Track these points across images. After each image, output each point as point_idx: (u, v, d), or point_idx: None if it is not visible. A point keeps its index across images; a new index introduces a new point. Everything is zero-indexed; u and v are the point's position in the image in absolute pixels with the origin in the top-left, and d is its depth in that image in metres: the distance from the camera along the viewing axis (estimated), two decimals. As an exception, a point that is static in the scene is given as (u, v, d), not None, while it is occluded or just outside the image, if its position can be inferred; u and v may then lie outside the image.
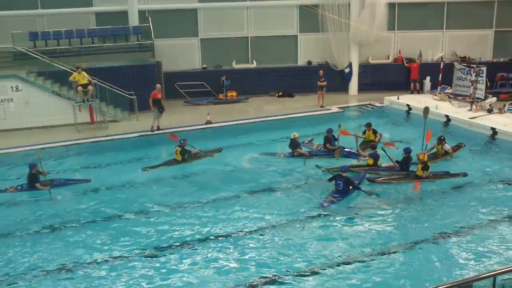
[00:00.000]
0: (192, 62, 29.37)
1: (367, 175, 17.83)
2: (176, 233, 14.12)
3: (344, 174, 16.62)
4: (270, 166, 19.20)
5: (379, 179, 17.57)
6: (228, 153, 20.58)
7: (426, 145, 18.67)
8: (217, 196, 16.63)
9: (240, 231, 14.22)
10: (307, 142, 21.21)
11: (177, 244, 13.52)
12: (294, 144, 19.92)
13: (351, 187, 16.60)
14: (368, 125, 21.09)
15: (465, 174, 17.75)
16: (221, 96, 28.37)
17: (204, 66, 29.39)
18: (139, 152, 21.10)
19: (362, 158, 19.49)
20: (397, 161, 18.29)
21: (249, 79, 29.04)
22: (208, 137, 22.65)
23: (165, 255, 12.92)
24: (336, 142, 20.15)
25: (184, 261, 12.66)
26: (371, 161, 18.58)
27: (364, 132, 21.12)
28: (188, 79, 28.59)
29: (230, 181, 17.93)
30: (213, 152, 20.41)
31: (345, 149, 20.22)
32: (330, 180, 16.90)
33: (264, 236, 13.91)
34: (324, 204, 15.87)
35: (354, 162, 19.32)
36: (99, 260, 12.77)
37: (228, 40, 29.35)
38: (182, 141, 19.70)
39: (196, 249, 13.21)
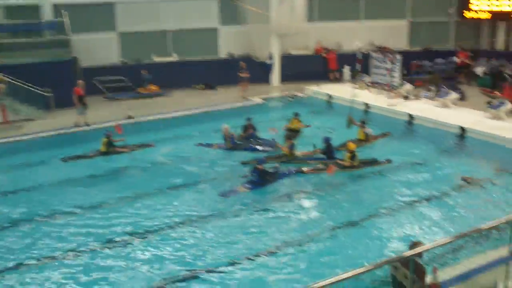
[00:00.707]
0: (111, 57, 28.85)
1: (295, 168, 17.70)
2: (99, 230, 13.73)
3: (259, 167, 16.73)
4: (197, 158, 19.14)
5: (307, 169, 17.61)
6: (153, 148, 20.44)
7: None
8: (142, 191, 16.33)
9: (162, 227, 13.96)
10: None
11: (100, 242, 13.09)
12: (228, 137, 20.03)
13: (270, 178, 16.74)
14: (296, 114, 21.30)
15: (389, 161, 18.13)
16: (142, 90, 27.99)
17: (123, 60, 28.91)
18: (56, 150, 20.37)
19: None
20: (321, 152, 18.56)
21: (170, 73, 28.76)
22: (130, 132, 22.27)
23: (86, 255, 12.51)
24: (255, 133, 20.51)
25: (107, 260, 12.30)
26: (286, 150, 18.64)
27: (289, 120, 21.26)
28: (107, 74, 28.03)
29: (156, 175, 17.76)
30: (143, 147, 20.31)
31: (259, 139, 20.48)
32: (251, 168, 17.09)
33: (187, 230, 13.75)
34: (234, 189, 16.12)
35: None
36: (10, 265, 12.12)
37: (147, 34, 28.92)
38: (107, 132, 19.57)
39: (119, 247, 12.87)
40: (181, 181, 17.06)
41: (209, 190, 16.38)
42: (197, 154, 19.66)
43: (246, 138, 20.49)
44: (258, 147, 20.02)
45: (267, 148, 19.82)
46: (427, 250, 7.86)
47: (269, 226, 13.92)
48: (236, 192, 16.16)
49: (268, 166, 17.28)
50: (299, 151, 19.10)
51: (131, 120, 23.17)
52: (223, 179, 17.26)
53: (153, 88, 28.05)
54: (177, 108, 25.03)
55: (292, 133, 20.59)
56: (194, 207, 15.17)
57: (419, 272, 8.16)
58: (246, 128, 20.75)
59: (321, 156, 18.54)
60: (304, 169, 17.60)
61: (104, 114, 24.26)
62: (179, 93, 28.24)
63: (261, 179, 16.61)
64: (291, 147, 18.69)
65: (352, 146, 17.72)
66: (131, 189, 16.50)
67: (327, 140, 18.48)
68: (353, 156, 17.52)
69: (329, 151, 18.33)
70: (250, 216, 14.65)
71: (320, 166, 17.82)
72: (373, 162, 18.10)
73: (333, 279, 6.67)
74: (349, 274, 6.87)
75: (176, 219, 14.38)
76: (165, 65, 29.02)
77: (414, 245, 8.38)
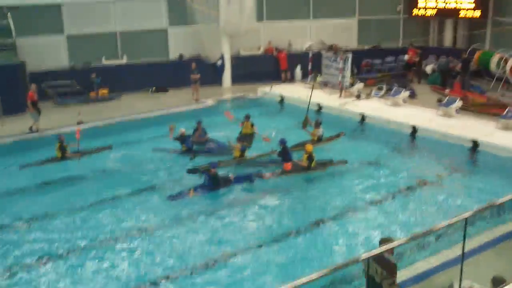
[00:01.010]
0: (59, 61, 28.10)
1: (254, 172, 17.49)
2: (41, 244, 13.25)
3: (212, 170, 16.57)
4: (150, 163, 18.91)
5: (267, 174, 17.35)
6: (108, 151, 20.15)
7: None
8: (93, 199, 15.97)
9: (112, 236, 13.70)
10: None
11: (42, 256, 12.64)
12: (183, 139, 19.77)
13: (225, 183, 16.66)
14: (247, 117, 20.98)
15: (344, 161, 18.16)
16: (92, 94, 27.41)
17: (72, 64, 28.27)
18: (11, 157, 19.69)
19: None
20: (277, 154, 18.48)
21: (121, 76, 28.13)
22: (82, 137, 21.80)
23: (33, 269, 12.13)
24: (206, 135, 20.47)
25: (54, 273, 11.94)
26: (238, 153, 18.51)
27: (242, 124, 20.99)
28: (56, 78, 27.19)
29: (108, 181, 17.43)
30: (101, 150, 20.07)
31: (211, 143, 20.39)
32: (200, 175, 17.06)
33: (138, 238, 13.57)
34: (184, 193, 16.05)
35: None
36: None
37: (96, 36, 28.37)
38: (59, 136, 19.26)
39: (68, 259, 12.52)
40: (133, 187, 16.76)
41: (160, 196, 16.19)
42: (151, 158, 19.37)
43: (200, 141, 20.28)
44: (213, 149, 19.88)
45: (221, 151, 19.68)
46: (391, 247, 7.82)
47: (222, 232, 13.84)
48: (185, 196, 16.02)
49: (223, 171, 17.15)
50: (254, 154, 19.06)
51: (83, 126, 22.53)
52: (175, 184, 17.06)
53: (104, 92, 27.48)
54: (128, 112, 24.56)
55: (247, 137, 20.44)
56: (145, 213, 14.99)
57: (390, 268, 8.19)
58: (195, 130, 20.54)
59: (277, 158, 18.46)
60: (266, 174, 17.36)
61: (55, 119, 23.60)
62: (130, 96, 27.69)
63: (213, 183, 16.47)
64: (243, 149, 18.56)
65: (309, 147, 17.64)
66: (81, 196, 16.14)
67: (283, 142, 18.37)
68: (310, 158, 17.46)
69: (285, 153, 18.26)
70: (201, 221, 14.53)
71: (280, 171, 17.68)
72: (329, 163, 18.10)
73: (304, 279, 6.52)
74: (321, 273, 6.72)
75: (127, 227, 14.18)
76: (115, 68, 28.43)
77: (384, 241, 8.37)
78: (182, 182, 17.13)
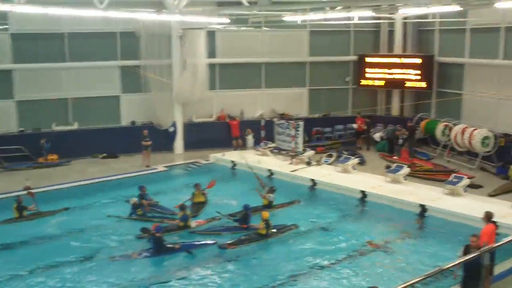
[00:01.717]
0: (8, 125, 27.75)
1: (219, 243, 17.17)
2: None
3: (157, 234, 16.45)
4: (99, 229, 18.66)
5: (230, 245, 16.99)
6: (53, 218, 19.79)
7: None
8: (40, 263, 15.73)
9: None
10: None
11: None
12: (136, 206, 19.65)
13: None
14: (197, 186, 20.88)
15: (296, 226, 18.29)
16: (41, 160, 27.03)
17: (22, 129, 27.93)
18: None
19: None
20: (235, 219, 18.38)
21: (71, 141, 27.86)
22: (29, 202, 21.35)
23: None
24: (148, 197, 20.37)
25: None
26: (181, 223, 18.31)
27: (192, 194, 20.84)
28: (4, 143, 26.85)
29: (55, 247, 17.22)
30: (57, 212, 20.01)
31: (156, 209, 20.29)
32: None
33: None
34: (127, 254, 16.17)
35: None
36: None
37: (47, 102, 28.22)
38: (17, 197, 19.41)
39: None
40: (78, 253, 16.60)
41: (104, 259, 16.09)
42: (101, 223, 19.13)
43: (150, 207, 20.12)
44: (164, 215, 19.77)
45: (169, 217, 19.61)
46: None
47: None
48: (128, 258, 15.97)
49: (171, 238, 17.02)
50: (203, 219, 18.96)
51: (32, 190, 22.05)
52: (123, 248, 16.96)
53: (53, 157, 27.12)
54: (78, 178, 24.24)
55: (199, 205, 20.35)
56: (88, 278, 14.85)
57: None
58: (141, 197, 20.39)
59: (235, 224, 18.39)
60: (226, 244, 17.03)
61: (1, 185, 23.22)
62: (80, 162, 27.39)
63: (157, 247, 16.33)
64: (184, 218, 18.30)
65: (266, 214, 17.63)
66: (28, 262, 15.84)
67: (246, 207, 18.39)
68: (267, 225, 17.38)
69: (245, 218, 18.18)
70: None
71: (243, 237, 17.47)
72: (282, 228, 18.10)
73: None
74: None
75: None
76: (66, 133, 28.17)
77: None
78: (129, 246, 17.07)
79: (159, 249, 16.39)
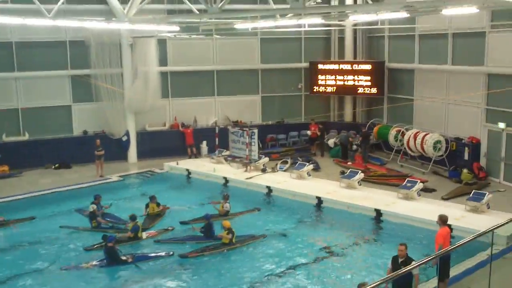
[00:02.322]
0: (-44, 137, 27.04)
1: (179, 252, 17.07)
2: None
3: (109, 244, 16.30)
4: (54, 241, 18.43)
5: (191, 254, 16.96)
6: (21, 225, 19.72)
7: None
8: None
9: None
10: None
11: None
12: (92, 215, 19.31)
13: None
14: (152, 198, 20.55)
15: (264, 236, 18.19)
16: (-9, 171, 26.38)
17: (-30, 141, 27.21)
18: None
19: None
20: (200, 230, 18.15)
21: (22, 152, 27.28)
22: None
23: None
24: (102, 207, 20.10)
25: None
26: (131, 234, 17.96)
27: (147, 206, 20.45)
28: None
29: (11, 259, 17.01)
30: (21, 221, 20.00)
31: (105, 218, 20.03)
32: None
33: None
34: (79, 265, 16.07)
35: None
36: None
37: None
38: None
39: None
40: (31, 265, 16.37)
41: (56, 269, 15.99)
42: (53, 236, 18.84)
43: (102, 217, 19.78)
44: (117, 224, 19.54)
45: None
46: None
47: None
48: (79, 268, 15.87)
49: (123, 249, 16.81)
50: (155, 230, 18.82)
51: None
52: (76, 259, 16.81)
53: (4, 169, 26.45)
54: (30, 189, 23.69)
55: (155, 218, 20.13)
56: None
57: None
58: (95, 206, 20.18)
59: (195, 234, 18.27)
60: (187, 253, 16.97)
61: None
62: (32, 173, 26.78)
63: (109, 257, 16.17)
64: (134, 229, 18.01)
65: (227, 223, 17.56)
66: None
67: (207, 217, 18.27)
68: (230, 233, 17.27)
69: (208, 229, 18.04)
70: None
71: (205, 247, 17.37)
72: (250, 238, 17.98)
73: None
74: None
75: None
76: (16, 144, 27.53)
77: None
78: (82, 257, 16.92)
79: (112, 260, 16.19)
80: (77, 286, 14.91)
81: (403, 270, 9.36)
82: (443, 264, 12.39)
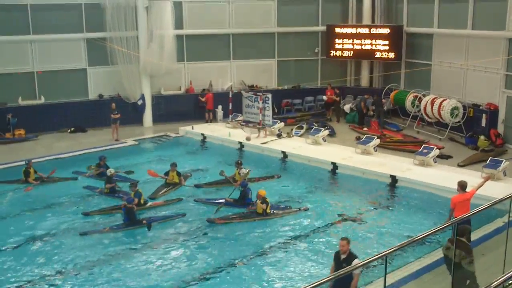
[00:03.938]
0: (-28, 101, 27.14)
1: (208, 218, 17.03)
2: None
3: (128, 206, 16.40)
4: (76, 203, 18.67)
5: (219, 220, 16.87)
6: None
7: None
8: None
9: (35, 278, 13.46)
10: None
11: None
12: (109, 180, 19.39)
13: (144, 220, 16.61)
14: (173, 165, 20.12)
15: (306, 208, 17.61)
16: (8, 135, 26.48)
17: (-13, 104, 27.30)
18: None
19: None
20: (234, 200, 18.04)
21: (38, 116, 27.41)
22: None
23: None
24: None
25: None
26: (136, 201, 17.44)
27: (166, 173, 20.12)
28: (-31, 118, 26.27)
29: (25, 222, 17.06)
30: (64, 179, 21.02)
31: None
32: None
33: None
34: (98, 229, 16.18)
35: None
36: None
37: (12, 76, 27.56)
38: (28, 161, 20.62)
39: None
40: (46, 228, 16.57)
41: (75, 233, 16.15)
42: (78, 198, 19.14)
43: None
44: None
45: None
46: None
47: (138, 272, 13.78)
48: (100, 232, 16.00)
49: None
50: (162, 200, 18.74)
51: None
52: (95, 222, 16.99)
53: (20, 132, 26.61)
54: (46, 153, 23.78)
55: (169, 187, 19.87)
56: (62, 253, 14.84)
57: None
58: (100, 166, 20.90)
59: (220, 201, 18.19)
60: (216, 219, 16.93)
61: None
62: (48, 137, 26.90)
63: (129, 218, 16.27)
64: (137, 196, 17.66)
65: (263, 192, 17.02)
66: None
67: (243, 185, 18.11)
68: (264, 203, 16.84)
69: (243, 197, 17.92)
70: (121, 260, 14.48)
71: (235, 216, 17.23)
72: (290, 209, 17.52)
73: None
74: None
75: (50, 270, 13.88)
76: (32, 108, 27.60)
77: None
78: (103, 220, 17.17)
79: (130, 221, 16.29)
80: (100, 250, 15.02)
81: (344, 271, 8.66)
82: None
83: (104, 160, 21.16)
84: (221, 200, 18.23)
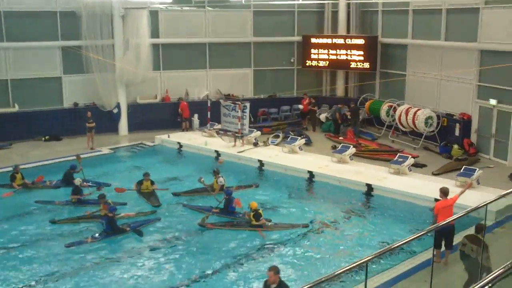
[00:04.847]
0: None
1: (199, 222, 17.15)
2: None
3: (110, 214, 16.38)
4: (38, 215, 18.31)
5: (210, 225, 16.97)
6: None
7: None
8: None
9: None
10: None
11: None
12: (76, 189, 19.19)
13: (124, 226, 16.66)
14: (146, 175, 20.10)
15: (306, 225, 17.11)
16: (-20, 143, 26.21)
17: (-41, 112, 26.93)
18: None
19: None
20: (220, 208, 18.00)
21: (12, 124, 27.14)
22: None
23: None
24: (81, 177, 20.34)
25: None
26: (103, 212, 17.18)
27: (140, 182, 20.02)
28: None
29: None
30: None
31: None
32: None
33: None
34: (83, 240, 15.95)
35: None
36: None
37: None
38: (16, 167, 20.76)
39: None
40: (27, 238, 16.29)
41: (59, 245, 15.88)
42: (42, 210, 18.76)
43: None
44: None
45: None
46: None
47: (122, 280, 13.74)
48: (83, 243, 15.83)
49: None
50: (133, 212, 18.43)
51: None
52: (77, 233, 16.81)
53: (-8, 140, 26.36)
54: (21, 161, 23.42)
55: (147, 195, 19.76)
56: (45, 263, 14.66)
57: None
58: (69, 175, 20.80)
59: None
60: (207, 224, 17.04)
61: None
62: (22, 145, 26.57)
63: (111, 227, 16.20)
64: (111, 210, 17.01)
65: (254, 205, 16.88)
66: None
67: (228, 193, 18.12)
68: (256, 215, 16.66)
69: (227, 205, 17.90)
70: (102, 269, 14.41)
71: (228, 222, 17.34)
72: (291, 226, 17.11)
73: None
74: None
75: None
76: (6, 116, 27.25)
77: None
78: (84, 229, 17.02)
79: (113, 230, 16.26)
80: (87, 261, 14.95)
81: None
82: (444, 236, 12.76)
83: (74, 169, 21.03)
84: (209, 208, 18.25)
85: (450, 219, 10.95)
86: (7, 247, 15.73)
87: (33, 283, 13.65)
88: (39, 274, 14.07)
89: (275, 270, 10.15)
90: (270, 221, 17.12)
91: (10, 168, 21.86)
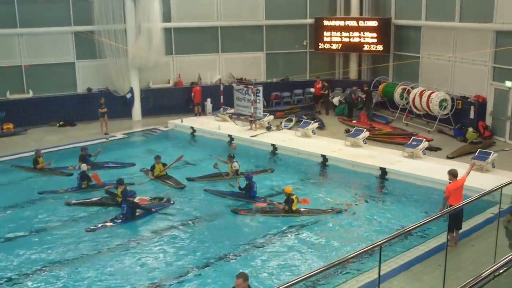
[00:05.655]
0: (-41, 95, 26.95)
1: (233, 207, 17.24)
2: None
3: (129, 199, 16.46)
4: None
5: (242, 211, 16.98)
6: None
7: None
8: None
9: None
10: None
11: None
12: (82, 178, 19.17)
13: (139, 212, 16.70)
14: (157, 158, 20.13)
15: (339, 210, 16.89)
16: (-4, 129, 26.40)
17: (-26, 98, 27.12)
18: None
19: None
20: (241, 189, 18.01)
21: (27, 110, 27.31)
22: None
23: None
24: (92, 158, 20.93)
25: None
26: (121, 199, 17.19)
27: (152, 168, 20.06)
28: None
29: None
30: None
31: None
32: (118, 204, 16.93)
33: (60, 273, 13.35)
34: (102, 224, 16.05)
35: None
36: None
37: (0, 70, 27.35)
38: (37, 151, 21.23)
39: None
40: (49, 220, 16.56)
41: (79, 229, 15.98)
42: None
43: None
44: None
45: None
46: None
47: (138, 264, 13.83)
48: (104, 227, 15.91)
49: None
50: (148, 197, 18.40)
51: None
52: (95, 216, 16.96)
53: (9, 126, 26.47)
54: (36, 147, 23.51)
55: (163, 178, 19.85)
56: (66, 247, 14.79)
57: None
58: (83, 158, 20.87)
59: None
60: (240, 210, 17.07)
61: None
62: (37, 130, 26.76)
63: (131, 212, 16.27)
64: (124, 195, 17.16)
65: (288, 189, 16.74)
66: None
67: (249, 177, 18.05)
68: (289, 200, 16.54)
69: (248, 189, 17.81)
70: (121, 253, 14.48)
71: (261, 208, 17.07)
72: (321, 210, 16.97)
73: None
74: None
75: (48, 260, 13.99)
76: (21, 102, 27.49)
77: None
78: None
79: (132, 214, 16.39)
80: (109, 244, 15.05)
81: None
82: (454, 216, 12.67)
83: (86, 151, 21.17)
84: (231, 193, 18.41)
85: (465, 202, 10.88)
86: (29, 230, 15.85)
87: (57, 265, 13.79)
88: (65, 257, 14.19)
89: (244, 277, 9.41)
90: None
91: (26, 154, 22.12)
